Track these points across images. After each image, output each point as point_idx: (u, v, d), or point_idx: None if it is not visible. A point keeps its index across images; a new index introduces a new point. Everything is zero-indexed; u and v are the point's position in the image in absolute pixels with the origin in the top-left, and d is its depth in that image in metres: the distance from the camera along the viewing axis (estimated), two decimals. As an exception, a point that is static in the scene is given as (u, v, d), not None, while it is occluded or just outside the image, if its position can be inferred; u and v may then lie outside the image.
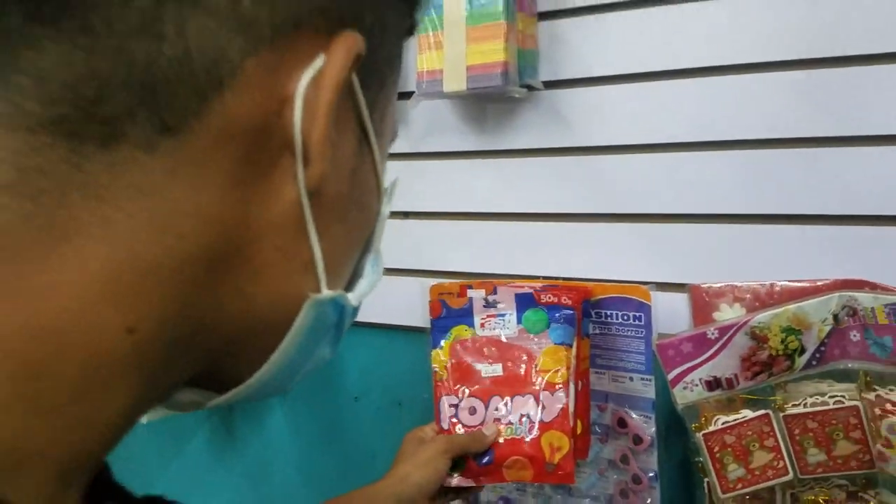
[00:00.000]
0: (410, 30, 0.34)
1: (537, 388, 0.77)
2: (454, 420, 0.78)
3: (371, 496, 0.71)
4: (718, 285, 0.79)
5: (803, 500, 0.74)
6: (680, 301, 0.81)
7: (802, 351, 0.71)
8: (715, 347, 0.73)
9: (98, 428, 0.27)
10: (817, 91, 0.74)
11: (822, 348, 0.71)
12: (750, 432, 0.72)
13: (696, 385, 0.74)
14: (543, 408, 0.76)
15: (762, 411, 0.73)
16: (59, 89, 0.24)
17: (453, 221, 0.95)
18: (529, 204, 0.90)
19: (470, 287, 0.84)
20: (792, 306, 0.70)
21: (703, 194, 0.80)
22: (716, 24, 0.78)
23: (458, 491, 0.77)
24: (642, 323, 0.81)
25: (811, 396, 0.71)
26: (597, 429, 0.84)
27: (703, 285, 0.79)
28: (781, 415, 0.72)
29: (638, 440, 0.82)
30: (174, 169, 0.26)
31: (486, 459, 0.76)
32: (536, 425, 0.76)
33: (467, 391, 0.79)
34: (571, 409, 0.77)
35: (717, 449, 0.73)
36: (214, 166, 0.27)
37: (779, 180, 0.77)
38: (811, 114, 0.75)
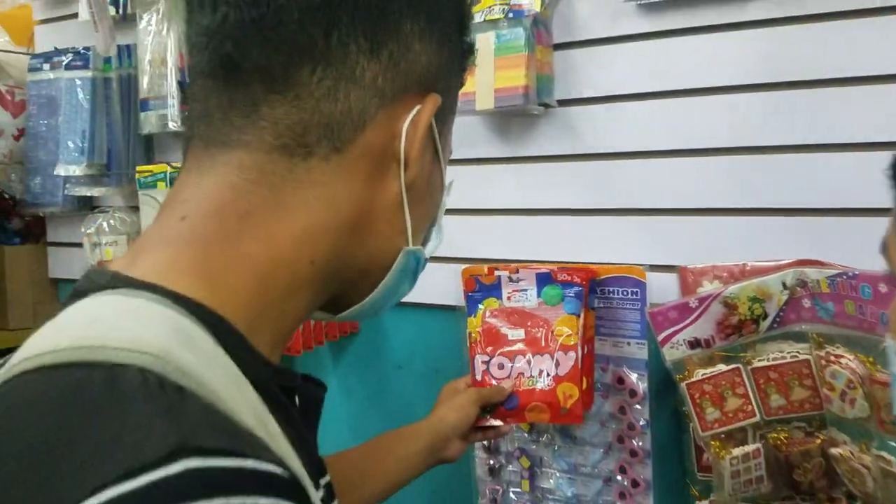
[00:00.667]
0: (462, 85, 0.54)
1: (553, 348, 0.95)
2: (486, 373, 0.97)
3: (415, 431, 0.90)
4: (701, 266, 0.97)
5: (769, 438, 0.92)
6: (670, 280, 0.99)
7: (765, 316, 0.89)
8: (695, 314, 0.91)
9: (291, 318, 0.47)
10: (780, 109, 0.92)
11: (781, 314, 0.88)
12: (724, 382, 0.90)
13: (681, 345, 0.92)
14: (558, 364, 0.95)
15: (734, 365, 0.90)
16: (284, 129, 0.44)
17: (482, 217, 1.14)
18: (546, 201, 1.09)
19: (496, 268, 1.03)
20: (756, 280, 0.88)
21: (690, 192, 0.99)
22: (700, 55, 0.96)
23: (487, 430, 0.95)
24: (638, 297, 0.99)
25: (773, 353, 0.89)
26: (599, 386, 1.03)
27: (688, 266, 0.97)
28: (749, 368, 0.90)
29: (633, 394, 1.00)
30: (338, 172, 0.45)
31: (512, 405, 0.95)
32: (552, 378, 0.94)
33: (497, 351, 0.98)
34: (580, 366, 0.96)
35: (697, 396, 0.91)
36: (359, 171, 0.46)
37: (750, 181, 0.95)
38: (776, 127, 0.93)
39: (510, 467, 1.12)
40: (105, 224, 1.42)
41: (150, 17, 1.36)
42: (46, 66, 1.51)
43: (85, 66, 1.36)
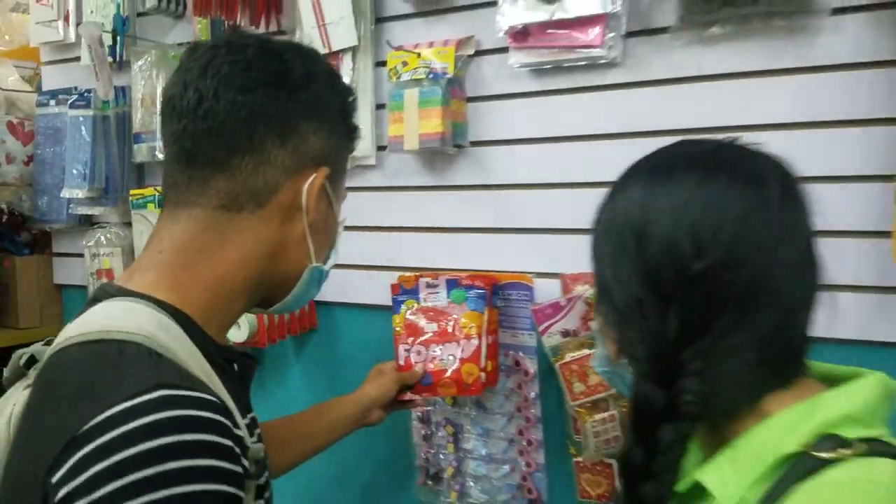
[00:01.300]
0: (351, 153, 0.82)
1: (459, 337, 1.22)
2: (407, 358, 1.24)
3: (344, 401, 1.18)
4: (577, 273, 1.24)
5: (621, 406, 1.19)
6: (554, 284, 1.26)
7: (616, 312, 1.16)
8: (565, 311, 1.18)
9: (233, 313, 0.74)
10: (632, 151, 1.19)
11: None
12: (587, 363, 1.17)
13: (556, 334, 1.19)
14: (463, 350, 1.21)
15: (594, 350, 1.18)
16: (224, 196, 0.71)
17: (415, 233, 1.41)
18: (461, 221, 1.36)
19: (422, 276, 1.30)
20: (608, 284, 1.15)
21: (568, 215, 1.26)
22: (574, 109, 1.24)
23: (406, 403, 1.23)
24: (529, 298, 1.26)
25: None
26: (503, 367, 1.30)
27: (568, 274, 1.25)
28: (606, 352, 1.17)
29: (526, 374, 1.27)
30: (261, 220, 0.73)
31: (427, 382, 1.22)
32: (458, 360, 1.21)
33: (416, 341, 1.24)
34: (483, 352, 1.22)
35: (567, 374, 1.18)
36: (275, 219, 0.73)
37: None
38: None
39: (439, 433, 1.39)
40: (103, 238, 1.68)
41: (142, 64, 1.62)
42: (53, 102, 1.77)
43: (87, 107, 1.62)
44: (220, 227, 0.71)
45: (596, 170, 1.23)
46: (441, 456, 1.39)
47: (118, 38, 1.57)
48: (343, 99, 0.79)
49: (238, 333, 1.40)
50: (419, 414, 1.38)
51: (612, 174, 1.21)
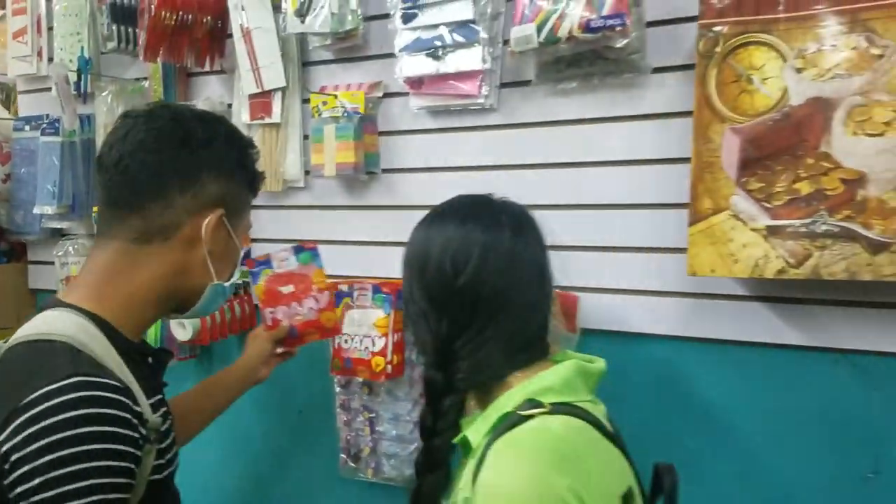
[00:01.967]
0: (253, 194, 1.05)
1: (313, 292, 1.38)
2: (274, 319, 1.41)
3: (233, 368, 1.40)
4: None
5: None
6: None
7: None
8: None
9: (146, 320, 0.99)
10: (511, 179, 1.44)
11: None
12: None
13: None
14: (318, 301, 1.39)
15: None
16: (137, 231, 0.96)
17: (334, 246, 1.65)
18: (374, 236, 1.60)
19: (340, 284, 1.53)
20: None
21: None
22: (461, 143, 1.48)
23: (283, 355, 1.44)
24: (426, 302, 1.50)
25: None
26: (408, 361, 1.53)
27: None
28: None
29: (425, 365, 1.51)
30: (169, 249, 0.97)
31: (293, 334, 1.41)
32: (316, 311, 1.39)
33: (278, 304, 1.41)
34: (390, 348, 1.46)
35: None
36: (180, 248, 0.98)
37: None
38: (507, 191, 1.45)
39: (358, 419, 1.63)
40: (71, 248, 1.91)
41: (105, 95, 1.85)
42: (27, 128, 2.00)
43: (56, 134, 1.85)
44: (133, 255, 0.95)
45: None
46: (360, 439, 1.63)
47: (82, 75, 1.79)
48: (240, 152, 1.03)
49: (183, 333, 1.63)
50: (341, 402, 1.62)
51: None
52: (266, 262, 1.40)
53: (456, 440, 0.87)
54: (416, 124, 1.53)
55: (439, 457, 0.88)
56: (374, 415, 1.60)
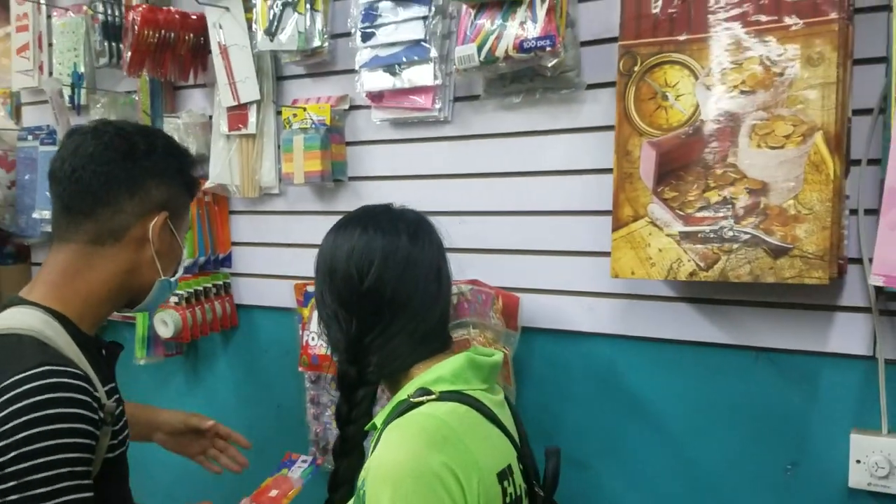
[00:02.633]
0: (191, 197, 1.17)
1: None
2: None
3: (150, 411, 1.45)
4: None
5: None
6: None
7: (445, 313, 1.50)
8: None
9: (102, 314, 1.10)
10: (467, 188, 1.53)
11: (456, 311, 1.49)
12: (425, 353, 1.51)
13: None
14: None
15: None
16: (91, 234, 1.06)
17: (307, 249, 1.75)
18: (342, 241, 1.70)
19: (308, 286, 1.63)
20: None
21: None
22: (420, 154, 1.57)
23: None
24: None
25: (454, 332, 1.50)
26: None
27: (418, 283, 1.58)
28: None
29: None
30: (120, 249, 1.08)
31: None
32: None
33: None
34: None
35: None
36: (130, 248, 1.09)
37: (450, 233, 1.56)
38: (461, 199, 1.54)
39: (326, 413, 1.73)
40: (69, 251, 2.03)
41: (98, 108, 1.97)
42: (30, 137, 2.13)
43: (53, 143, 1.98)
44: (88, 256, 1.05)
45: (437, 200, 1.56)
46: (328, 431, 1.73)
47: (76, 89, 1.92)
48: (179, 161, 1.14)
49: (165, 330, 1.75)
50: (310, 397, 1.72)
51: (449, 203, 1.56)
52: (291, 461, 1.50)
53: (367, 427, 0.97)
54: (378, 135, 1.63)
55: (353, 442, 0.98)
56: (342, 408, 1.70)
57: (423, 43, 1.46)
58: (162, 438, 1.43)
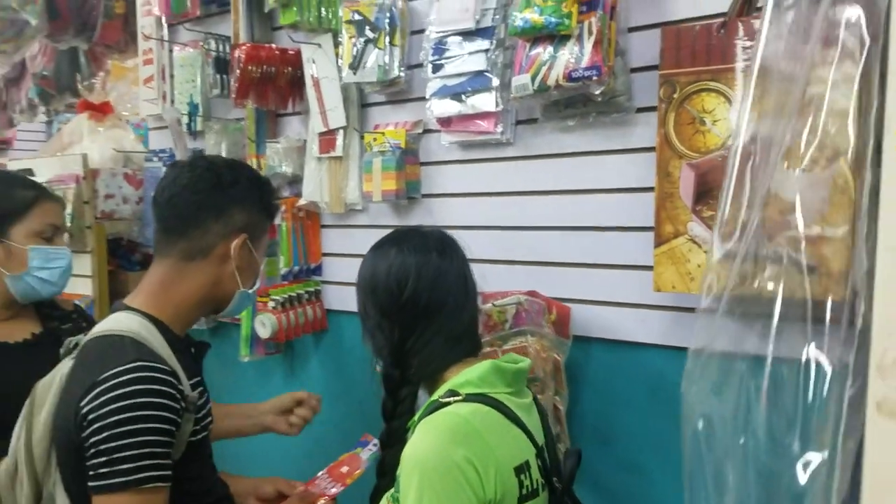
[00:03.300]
0: (271, 220, 1.35)
1: (343, 485, 1.64)
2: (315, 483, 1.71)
3: (251, 408, 1.68)
4: (488, 291, 1.70)
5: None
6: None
7: (505, 321, 1.62)
8: (473, 319, 1.65)
9: (191, 320, 1.30)
10: (528, 204, 1.65)
11: (514, 320, 1.61)
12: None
13: (467, 336, 1.66)
14: (336, 490, 1.60)
15: (495, 348, 1.64)
16: (185, 251, 1.26)
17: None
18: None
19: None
20: (499, 301, 1.61)
21: (487, 248, 1.72)
22: (486, 173, 1.70)
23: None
24: (456, 309, 1.74)
25: (513, 339, 1.62)
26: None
27: (486, 291, 1.71)
28: (501, 349, 1.63)
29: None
30: (207, 264, 1.27)
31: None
32: (328, 497, 1.65)
33: None
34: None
35: (474, 364, 1.65)
36: (215, 263, 1.28)
37: (510, 245, 1.68)
38: (523, 214, 1.65)
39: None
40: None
41: (211, 134, 2.24)
42: (155, 159, 2.44)
43: (174, 165, 2.26)
44: (181, 270, 1.25)
45: (502, 216, 1.69)
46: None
47: (192, 117, 2.19)
48: (260, 191, 1.32)
49: (263, 331, 1.97)
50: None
51: (514, 219, 1.68)
52: (365, 442, 1.61)
53: (409, 424, 1.11)
54: (448, 156, 1.78)
55: (397, 435, 1.13)
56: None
57: (485, 73, 1.60)
58: (272, 420, 1.65)
